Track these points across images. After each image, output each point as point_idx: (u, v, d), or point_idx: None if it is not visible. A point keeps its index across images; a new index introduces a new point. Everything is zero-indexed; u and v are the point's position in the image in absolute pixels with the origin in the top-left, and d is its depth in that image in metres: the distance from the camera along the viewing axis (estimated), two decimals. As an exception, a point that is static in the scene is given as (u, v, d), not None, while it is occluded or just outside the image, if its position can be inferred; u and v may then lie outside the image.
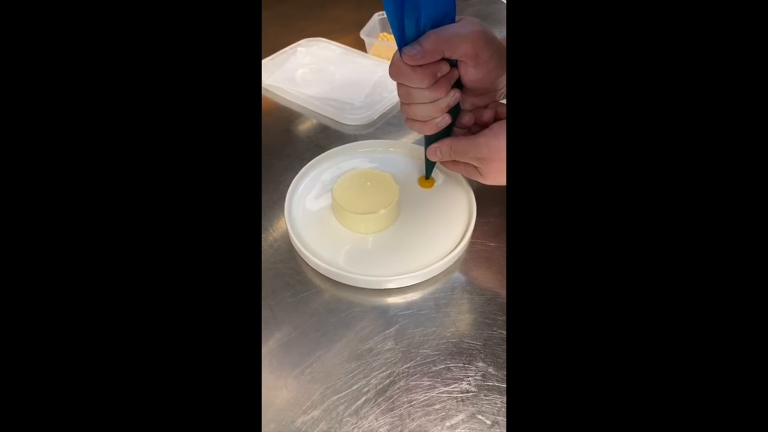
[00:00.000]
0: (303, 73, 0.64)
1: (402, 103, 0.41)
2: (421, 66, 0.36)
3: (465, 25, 0.37)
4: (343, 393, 0.33)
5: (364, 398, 0.33)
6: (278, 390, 0.33)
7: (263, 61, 0.66)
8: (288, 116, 0.59)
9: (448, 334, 0.36)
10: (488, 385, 0.33)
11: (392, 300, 0.39)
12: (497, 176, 0.40)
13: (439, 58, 0.36)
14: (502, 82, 0.41)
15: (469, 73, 0.38)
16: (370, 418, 0.32)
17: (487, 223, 0.44)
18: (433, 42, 0.35)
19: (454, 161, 0.42)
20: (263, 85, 0.63)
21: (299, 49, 0.68)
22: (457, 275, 0.41)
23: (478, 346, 0.36)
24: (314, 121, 0.58)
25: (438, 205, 0.45)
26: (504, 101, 0.43)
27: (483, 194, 0.45)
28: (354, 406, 0.32)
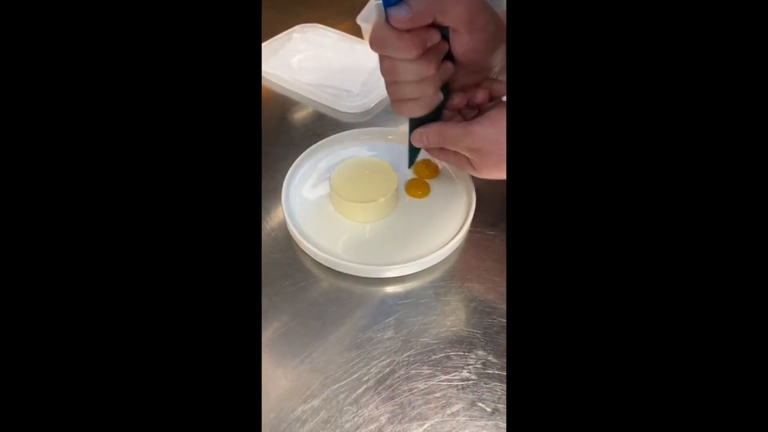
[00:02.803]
0: (299, 59, 0.63)
1: (387, 83, 0.36)
2: (408, 32, 0.31)
3: None
4: (343, 382, 0.33)
5: (365, 387, 0.33)
6: (278, 379, 0.33)
7: (258, 48, 0.65)
8: (284, 103, 0.58)
9: (448, 323, 0.36)
10: (488, 373, 0.33)
11: (391, 289, 0.39)
12: (492, 170, 0.37)
13: (430, 21, 0.31)
14: (498, 56, 0.36)
15: (463, 42, 0.33)
16: (371, 406, 0.32)
17: (487, 212, 0.43)
18: (423, 2, 0.31)
19: (442, 149, 0.38)
20: (258, 71, 0.62)
21: (294, 35, 0.67)
22: (457, 264, 0.41)
23: (478, 335, 0.35)
24: (310, 109, 0.57)
25: (437, 193, 0.45)
26: (500, 78, 0.39)
27: (482, 182, 0.45)
28: (354, 395, 0.32)
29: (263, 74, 0.62)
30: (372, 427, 0.31)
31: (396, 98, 0.36)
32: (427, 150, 0.40)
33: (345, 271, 0.39)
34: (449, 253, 0.40)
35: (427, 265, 0.39)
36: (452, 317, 0.37)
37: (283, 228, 0.43)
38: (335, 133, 0.50)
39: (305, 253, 0.41)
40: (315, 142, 0.49)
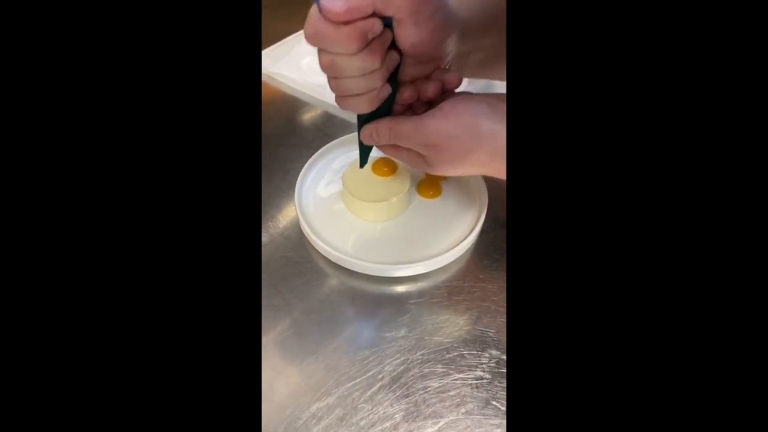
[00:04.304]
0: (309, 61, 0.63)
1: (329, 79, 0.32)
2: (346, 24, 0.27)
3: None
4: (358, 380, 0.33)
5: (379, 385, 0.33)
6: (291, 376, 0.33)
7: (268, 50, 0.65)
8: (294, 104, 0.59)
9: (461, 322, 0.36)
10: (502, 371, 0.33)
11: (404, 288, 0.39)
12: (447, 167, 0.34)
13: (370, 12, 0.28)
14: (449, 46, 0.33)
15: (409, 35, 0.30)
16: (385, 404, 0.32)
17: (499, 211, 0.43)
18: None
19: (394, 146, 0.35)
20: (269, 73, 0.63)
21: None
22: (469, 263, 0.41)
23: (491, 334, 0.36)
24: (321, 110, 0.58)
25: (449, 193, 0.45)
26: (452, 67, 0.36)
27: (495, 181, 0.45)
28: (369, 393, 0.32)
29: (273, 75, 0.62)
30: (387, 424, 0.31)
31: (340, 94, 0.33)
32: (379, 147, 0.37)
33: (358, 270, 0.39)
34: (462, 252, 0.40)
35: (440, 264, 0.39)
36: (465, 316, 0.37)
37: (296, 227, 0.43)
38: (345, 134, 0.50)
39: (318, 252, 0.41)
40: (325, 143, 0.49)
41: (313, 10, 0.28)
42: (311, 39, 0.29)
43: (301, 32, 0.70)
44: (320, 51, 0.30)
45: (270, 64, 0.63)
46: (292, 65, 0.62)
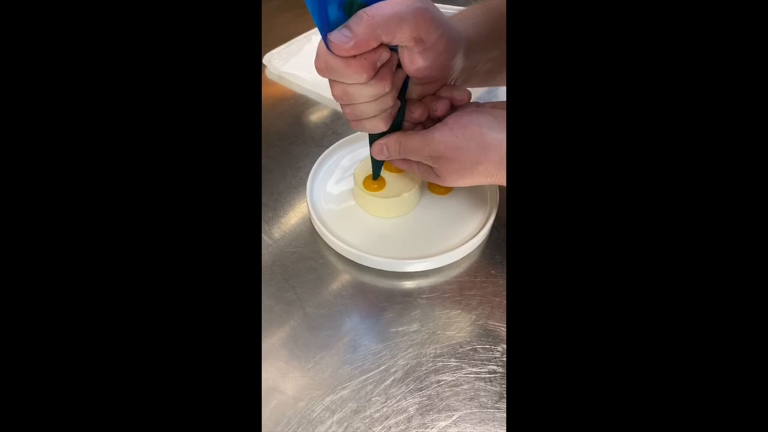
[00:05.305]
0: (318, 60, 0.64)
1: (342, 106, 0.34)
2: (354, 57, 0.29)
3: (402, 2, 0.28)
4: (371, 373, 0.33)
5: (392, 378, 0.33)
6: (305, 370, 0.34)
7: (277, 49, 0.66)
8: (305, 103, 0.59)
9: (474, 317, 0.36)
10: (515, 366, 0.33)
11: (416, 283, 0.39)
12: (455, 177, 0.35)
13: (376, 45, 0.29)
14: (455, 65, 0.34)
15: (415, 62, 0.31)
16: (399, 397, 0.32)
17: (509, 208, 0.44)
18: (366, 26, 0.28)
19: (405, 159, 0.37)
20: (278, 72, 0.63)
21: (314, 37, 0.68)
22: (481, 259, 0.41)
23: (503, 328, 0.36)
24: (331, 108, 0.58)
25: (460, 189, 0.45)
26: (457, 82, 0.37)
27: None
28: (382, 386, 0.32)
29: (283, 75, 0.62)
30: (401, 417, 0.31)
31: (355, 119, 0.34)
32: (392, 162, 0.39)
33: (369, 265, 0.39)
34: (473, 248, 0.40)
35: (451, 259, 0.39)
36: (477, 311, 0.37)
37: (308, 223, 0.44)
38: (354, 132, 0.51)
39: (330, 247, 0.41)
40: (335, 140, 0.50)
41: (321, 45, 0.29)
42: (322, 72, 0.31)
43: (310, 32, 0.71)
44: (332, 82, 0.32)
45: (280, 64, 0.63)
46: (301, 64, 0.63)
